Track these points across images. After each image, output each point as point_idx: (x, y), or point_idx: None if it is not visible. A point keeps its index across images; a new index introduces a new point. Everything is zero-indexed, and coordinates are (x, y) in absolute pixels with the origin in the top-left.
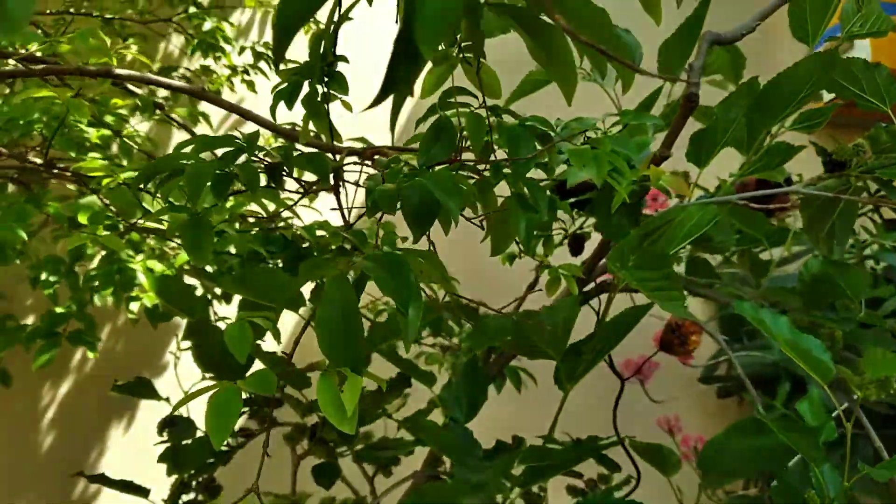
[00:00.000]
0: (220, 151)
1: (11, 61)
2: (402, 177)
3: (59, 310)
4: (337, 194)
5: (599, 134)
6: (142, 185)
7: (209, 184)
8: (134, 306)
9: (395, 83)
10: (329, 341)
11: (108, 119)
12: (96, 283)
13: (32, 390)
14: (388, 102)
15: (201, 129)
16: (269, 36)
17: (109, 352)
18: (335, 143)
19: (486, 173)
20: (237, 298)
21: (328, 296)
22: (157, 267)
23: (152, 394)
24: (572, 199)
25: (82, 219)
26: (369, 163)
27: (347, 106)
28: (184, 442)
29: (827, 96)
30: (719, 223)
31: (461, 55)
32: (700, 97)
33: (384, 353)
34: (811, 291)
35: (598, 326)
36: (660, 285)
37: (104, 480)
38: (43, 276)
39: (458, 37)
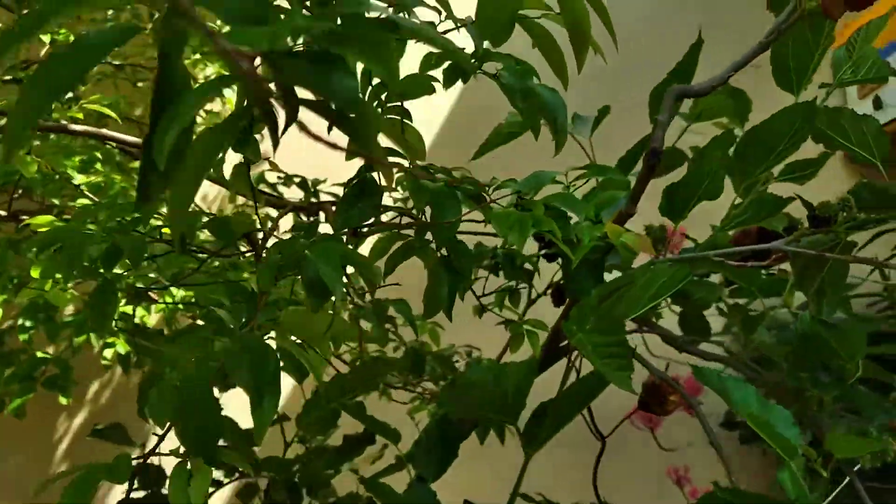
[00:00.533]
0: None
1: None
2: (302, 245)
3: (39, 354)
4: (258, 258)
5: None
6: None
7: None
8: (109, 352)
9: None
10: (184, 431)
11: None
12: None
13: (48, 423)
14: None
15: None
16: None
17: (123, 386)
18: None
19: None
20: None
21: (184, 384)
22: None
23: (126, 440)
24: (544, 251)
25: (34, 273)
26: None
27: (275, 166)
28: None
29: None
30: (699, 279)
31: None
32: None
33: (349, 408)
34: (800, 351)
35: (559, 392)
36: (611, 352)
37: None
38: (20, 322)
39: (384, 98)
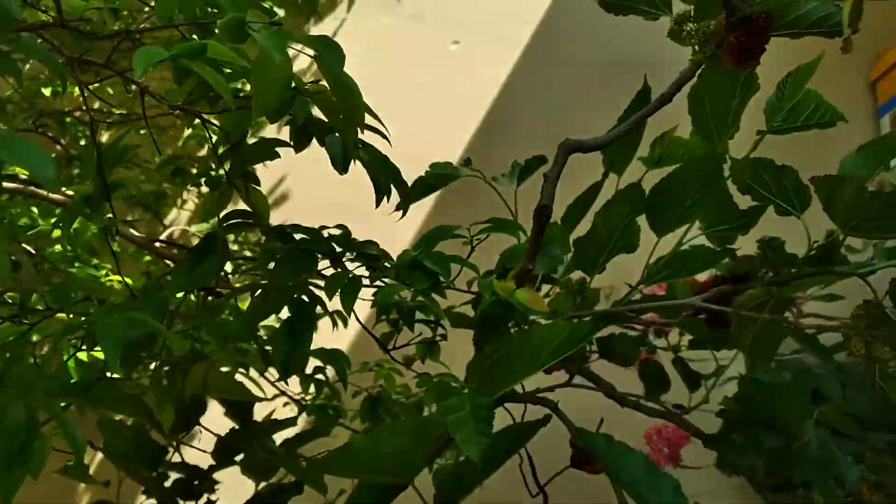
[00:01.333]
0: None
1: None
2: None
3: None
4: None
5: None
6: None
7: None
8: None
9: None
10: None
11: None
12: None
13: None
14: None
15: None
16: None
17: None
18: None
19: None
20: None
21: None
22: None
23: (89, 479)
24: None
25: None
26: None
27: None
28: None
29: None
30: (623, 335)
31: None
32: None
33: (280, 458)
34: (736, 414)
35: None
36: (480, 415)
37: None
38: None
39: (227, 166)
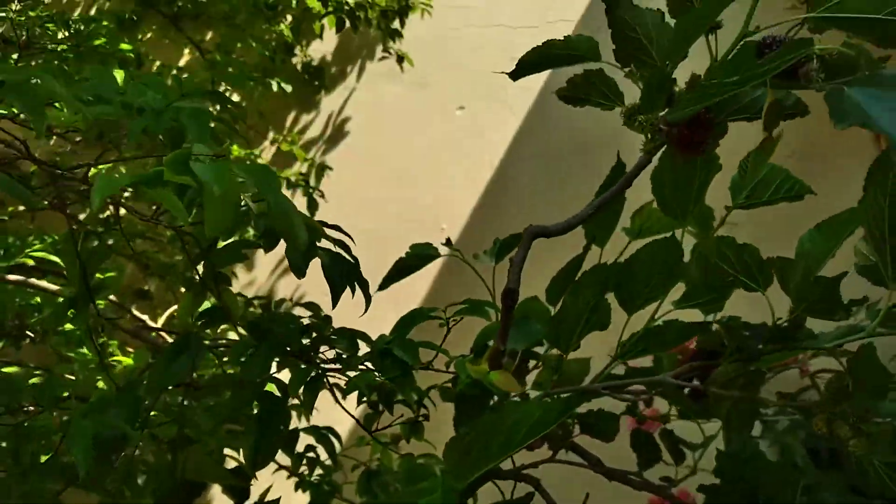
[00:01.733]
0: None
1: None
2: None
3: None
4: None
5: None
6: None
7: None
8: None
9: None
10: None
11: None
12: None
13: None
14: None
15: None
16: None
17: None
18: None
19: None
20: None
21: None
22: None
23: None
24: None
25: None
26: None
27: None
28: None
29: None
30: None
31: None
32: None
33: None
34: (718, 488)
35: None
36: (451, 500)
37: None
38: None
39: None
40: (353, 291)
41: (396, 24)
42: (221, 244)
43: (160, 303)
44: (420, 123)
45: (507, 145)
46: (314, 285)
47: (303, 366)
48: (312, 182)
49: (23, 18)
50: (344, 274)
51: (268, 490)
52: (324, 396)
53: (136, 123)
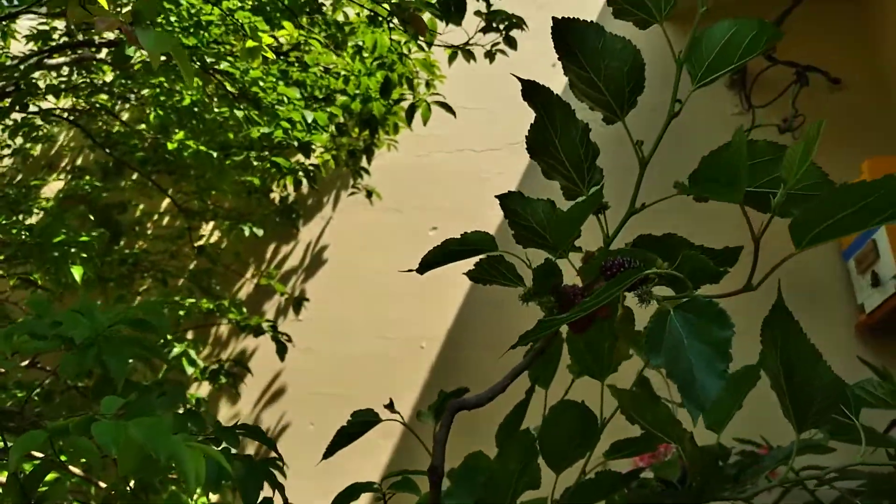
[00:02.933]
0: None
1: None
2: None
3: None
4: None
5: None
6: None
7: None
8: None
9: None
10: None
11: None
12: None
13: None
14: None
15: None
16: None
17: None
18: None
19: None
20: None
21: None
22: None
23: None
24: None
25: None
26: None
27: None
28: None
29: None
30: None
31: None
32: None
33: None
34: None
35: None
36: None
37: None
38: None
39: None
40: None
41: (364, 161)
42: None
43: None
44: (395, 245)
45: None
46: (299, 406)
47: None
48: (291, 314)
49: None
50: (258, 482)
51: None
52: None
53: (66, 363)
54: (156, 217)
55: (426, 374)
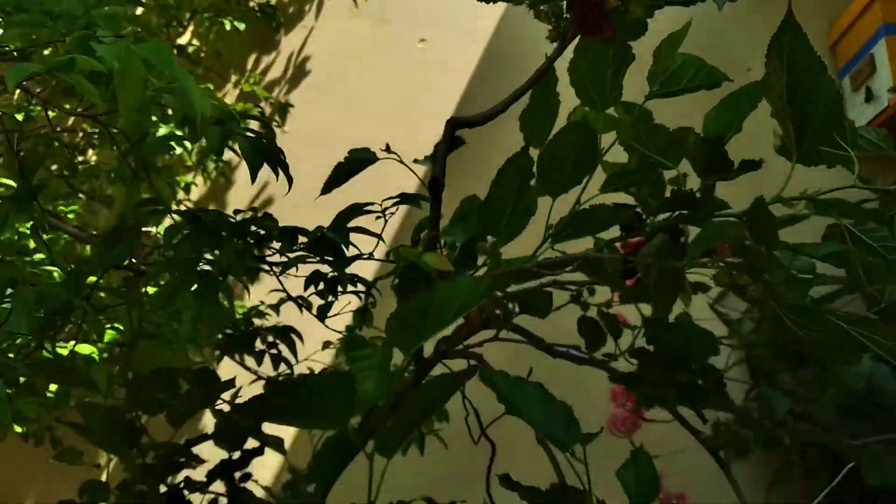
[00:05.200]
0: None
1: None
2: None
3: None
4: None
5: None
6: None
7: None
8: None
9: None
10: None
11: None
12: None
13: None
14: None
15: None
16: None
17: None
18: None
19: None
20: None
21: None
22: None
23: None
24: None
25: None
26: None
27: None
28: None
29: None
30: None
31: None
32: None
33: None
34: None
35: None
36: (385, 366)
37: None
38: None
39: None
40: (277, 175)
41: None
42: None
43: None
44: (382, 58)
45: (469, 75)
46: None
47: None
48: (277, 121)
49: None
50: (261, 153)
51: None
52: (291, 309)
53: (53, 29)
54: (130, 14)
55: (415, 186)
